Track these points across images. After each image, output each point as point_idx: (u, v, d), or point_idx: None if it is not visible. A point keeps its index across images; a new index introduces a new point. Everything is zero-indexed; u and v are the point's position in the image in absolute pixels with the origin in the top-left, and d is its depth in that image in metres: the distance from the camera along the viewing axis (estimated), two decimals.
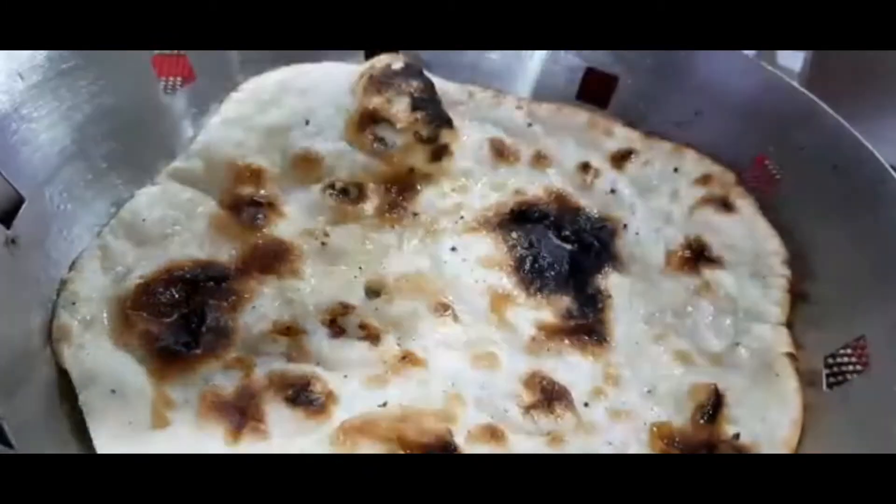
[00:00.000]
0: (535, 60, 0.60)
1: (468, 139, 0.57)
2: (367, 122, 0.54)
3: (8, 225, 0.40)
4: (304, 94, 0.56)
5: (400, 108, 0.55)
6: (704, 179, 0.52)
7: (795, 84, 0.53)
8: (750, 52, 0.79)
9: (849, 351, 0.41)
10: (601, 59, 0.58)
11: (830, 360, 0.41)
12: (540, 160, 0.57)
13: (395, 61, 0.57)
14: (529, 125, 0.58)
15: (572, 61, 0.59)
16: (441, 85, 0.58)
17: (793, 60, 0.76)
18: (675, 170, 0.53)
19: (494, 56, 0.60)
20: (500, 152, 0.57)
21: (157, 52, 0.51)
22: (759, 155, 0.52)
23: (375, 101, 0.55)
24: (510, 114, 0.58)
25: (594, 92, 0.58)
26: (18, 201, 0.41)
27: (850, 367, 0.40)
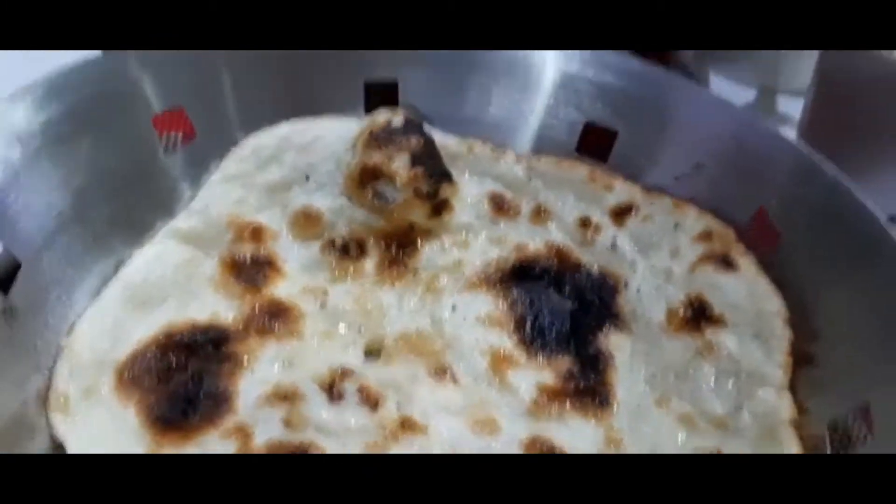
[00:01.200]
0: (534, 115, 0.60)
1: (468, 193, 0.58)
2: (368, 177, 0.55)
3: (6, 291, 0.40)
4: (305, 150, 0.56)
5: (400, 165, 0.55)
6: (705, 236, 0.51)
7: (793, 139, 0.53)
8: (750, 99, 0.79)
9: (853, 416, 0.40)
10: (600, 113, 0.58)
11: (835, 426, 0.41)
12: (540, 214, 0.57)
13: (395, 117, 0.57)
14: (529, 179, 0.58)
15: (572, 115, 0.59)
16: (441, 139, 0.58)
17: (792, 108, 0.76)
18: (676, 226, 0.53)
19: (494, 110, 0.61)
20: (501, 206, 0.57)
21: (157, 112, 0.52)
22: (761, 209, 0.51)
23: (375, 158, 0.55)
24: (510, 167, 0.58)
25: (593, 146, 0.58)
26: (15, 268, 0.41)
27: (856, 434, 0.40)
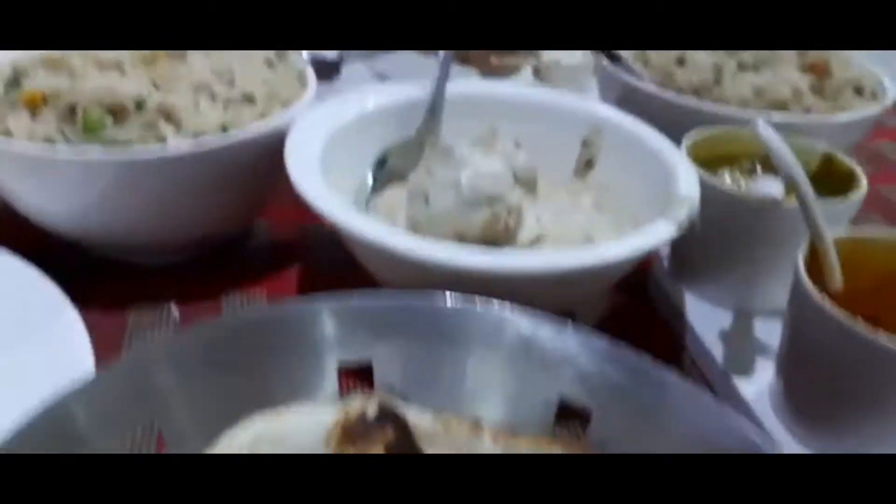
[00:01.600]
0: (510, 391, 0.60)
1: None
2: None
3: None
4: (279, 444, 0.56)
5: None
6: None
7: (762, 443, 0.52)
8: (726, 325, 0.80)
9: None
10: (576, 393, 0.58)
11: None
12: None
13: (369, 405, 0.57)
14: None
15: (547, 393, 0.59)
16: (416, 417, 0.58)
17: (771, 333, 0.77)
18: None
19: (470, 385, 0.61)
20: None
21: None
22: None
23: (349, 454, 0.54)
24: (488, 448, 0.58)
25: (569, 425, 0.58)
26: None
27: None
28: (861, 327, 0.57)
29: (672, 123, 0.88)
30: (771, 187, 0.68)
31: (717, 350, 0.77)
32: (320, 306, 0.60)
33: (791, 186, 0.68)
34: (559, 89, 1.31)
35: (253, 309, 0.57)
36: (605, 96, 1.08)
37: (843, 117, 0.90)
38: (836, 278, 0.66)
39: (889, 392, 0.58)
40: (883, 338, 0.56)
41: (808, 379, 0.65)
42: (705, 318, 0.81)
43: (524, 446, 0.57)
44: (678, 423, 0.54)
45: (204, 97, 0.76)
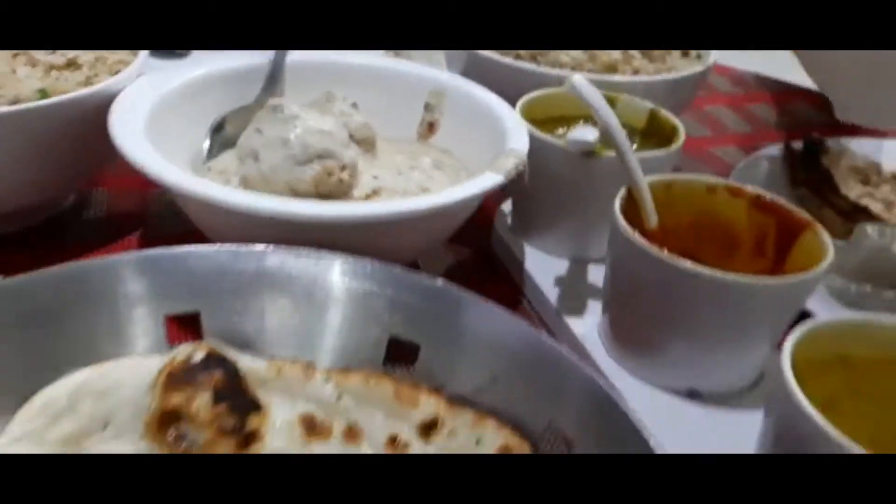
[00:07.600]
0: (339, 331, 0.61)
1: (278, 418, 0.57)
2: (167, 421, 0.53)
3: None
4: (103, 397, 0.55)
5: (201, 404, 0.54)
6: (504, 450, 0.53)
7: (563, 350, 0.55)
8: (563, 271, 0.83)
9: None
10: (401, 328, 0.60)
11: None
12: (352, 434, 0.57)
13: (196, 352, 0.57)
14: (339, 398, 0.58)
15: (375, 330, 0.61)
16: (249, 363, 0.58)
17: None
18: (478, 441, 0.54)
19: (299, 328, 0.62)
20: (312, 428, 0.57)
21: None
22: (550, 420, 0.54)
23: (175, 399, 0.54)
24: (320, 387, 0.59)
25: (399, 359, 0.60)
26: None
27: None
28: (667, 255, 0.61)
29: (512, 88, 0.92)
30: (586, 134, 0.72)
31: (552, 295, 0.80)
32: (132, 257, 0.59)
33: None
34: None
35: (60, 267, 0.56)
36: (452, 68, 1.11)
37: (668, 77, 0.96)
38: (651, 217, 0.71)
39: (694, 311, 0.63)
40: (686, 263, 0.61)
41: (628, 310, 0.70)
42: (543, 267, 0.84)
43: (355, 382, 0.59)
44: (494, 345, 0.57)
45: (22, 63, 0.74)
